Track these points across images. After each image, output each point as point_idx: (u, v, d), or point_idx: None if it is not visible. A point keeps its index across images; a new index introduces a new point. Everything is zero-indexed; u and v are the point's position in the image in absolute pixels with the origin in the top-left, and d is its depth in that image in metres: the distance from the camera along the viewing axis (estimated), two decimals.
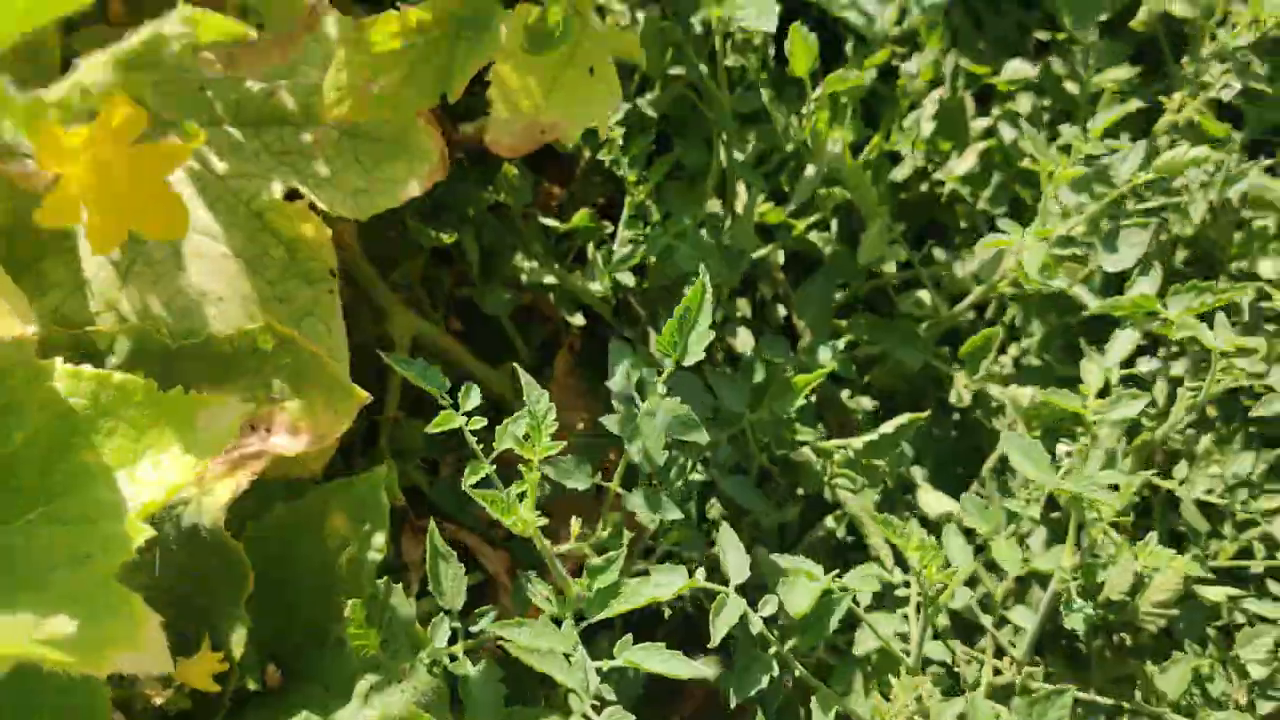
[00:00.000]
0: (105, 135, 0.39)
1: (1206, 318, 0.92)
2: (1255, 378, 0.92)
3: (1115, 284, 0.94)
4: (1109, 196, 0.90)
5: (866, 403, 1.18)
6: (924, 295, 1.14)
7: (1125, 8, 1.14)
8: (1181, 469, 0.99)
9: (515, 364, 1.10)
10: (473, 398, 0.68)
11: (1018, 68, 1.15)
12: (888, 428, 0.92)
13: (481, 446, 0.68)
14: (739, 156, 0.99)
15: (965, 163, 1.24)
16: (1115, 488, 0.82)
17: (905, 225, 1.34)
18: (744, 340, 1.16)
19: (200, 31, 0.37)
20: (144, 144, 0.40)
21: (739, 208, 1.01)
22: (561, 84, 0.71)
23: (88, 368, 0.50)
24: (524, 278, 1.02)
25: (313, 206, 0.72)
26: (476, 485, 0.68)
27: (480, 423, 0.68)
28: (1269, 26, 0.93)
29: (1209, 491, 1.09)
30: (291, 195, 0.72)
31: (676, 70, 1.02)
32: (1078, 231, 0.96)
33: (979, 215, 1.24)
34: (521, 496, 0.65)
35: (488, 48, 0.63)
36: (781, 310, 1.20)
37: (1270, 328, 1.01)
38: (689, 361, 0.72)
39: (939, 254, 1.23)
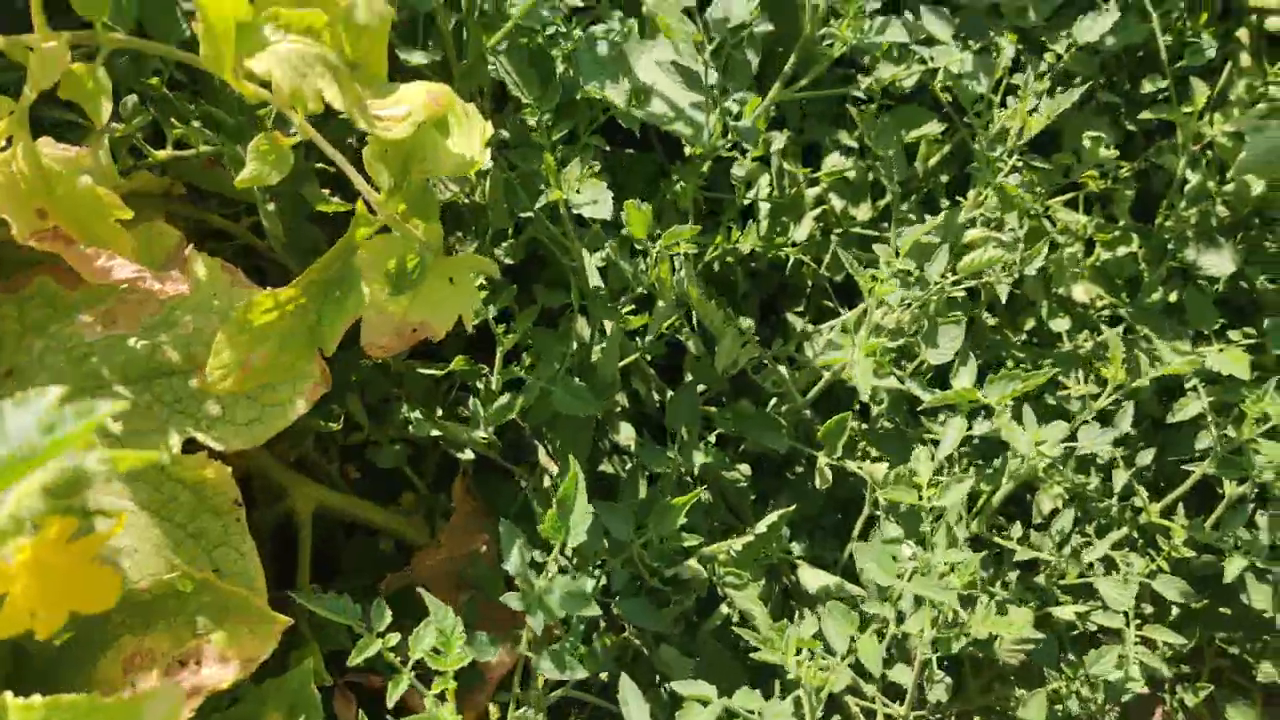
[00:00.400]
0: (44, 548, 0.45)
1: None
2: (1071, 439, 1.05)
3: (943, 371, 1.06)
4: (925, 295, 1.02)
5: (744, 469, 1.29)
6: (782, 370, 1.24)
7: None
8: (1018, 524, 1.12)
9: (410, 511, 1.18)
10: (384, 616, 0.75)
11: (836, 161, 1.26)
12: (762, 526, 1.02)
13: (396, 657, 0.75)
14: (597, 289, 1.07)
15: (803, 230, 1.35)
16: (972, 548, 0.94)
17: (757, 292, 1.45)
18: (626, 433, 1.25)
19: (119, 464, 0.44)
20: (76, 539, 0.47)
21: (606, 329, 1.09)
22: (423, 294, 0.78)
23: (37, 697, 0.56)
24: (411, 428, 1.09)
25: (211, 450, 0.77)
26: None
27: (394, 639, 0.75)
28: (1038, 128, 1.06)
29: (1044, 526, 1.23)
30: (189, 442, 0.77)
31: (527, 214, 1.09)
32: (905, 320, 1.07)
33: (823, 276, 1.35)
34: (442, 697, 0.73)
35: (354, 306, 0.70)
36: (656, 396, 1.29)
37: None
38: (573, 543, 0.80)
39: (793, 320, 1.34)
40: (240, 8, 0.63)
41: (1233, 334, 1.32)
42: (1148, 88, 1.38)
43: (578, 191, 0.92)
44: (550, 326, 1.15)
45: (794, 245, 1.32)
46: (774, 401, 1.25)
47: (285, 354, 0.69)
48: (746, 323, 1.41)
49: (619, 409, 1.30)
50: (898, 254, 0.99)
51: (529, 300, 1.13)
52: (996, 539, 1.04)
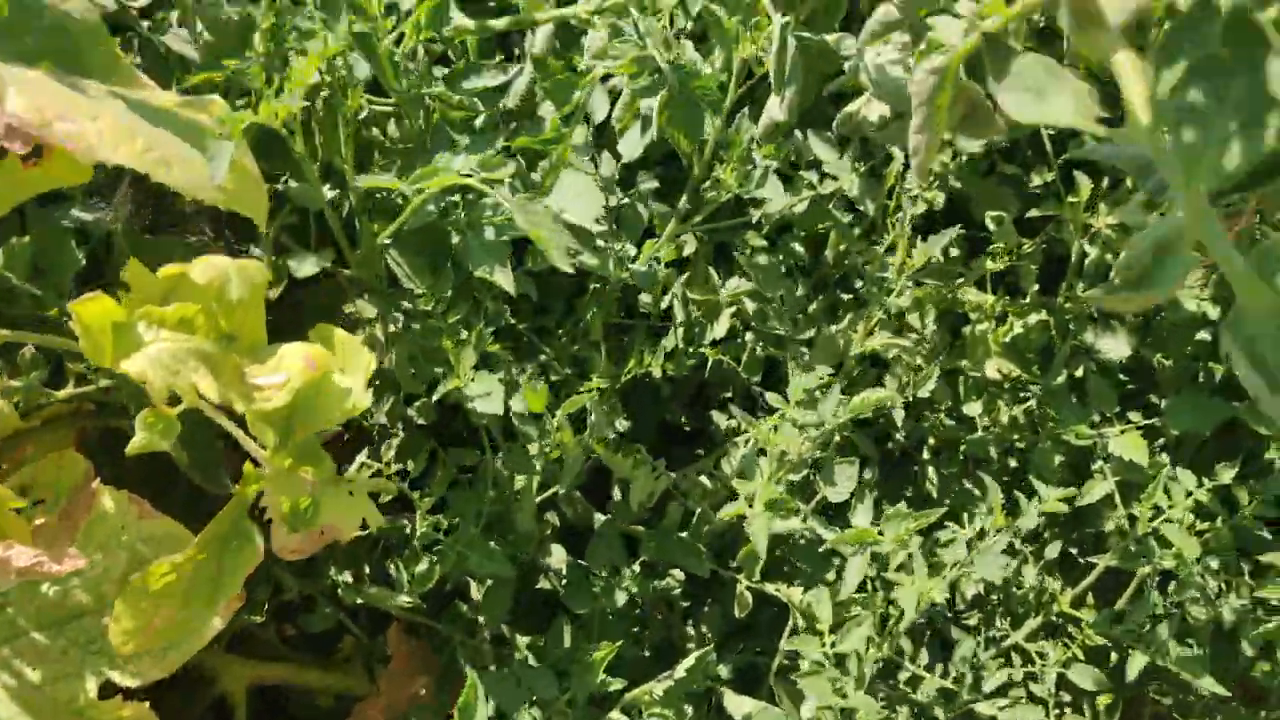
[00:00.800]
0: None
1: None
2: (962, 564, 1.10)
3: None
4: (823, 430, 1.06)
5: (676, 574, 1.33)
6: (705, 480, 1.28)
7: None
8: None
9: (349, 658, 1.22)
10: None
11: (736, 284, 1.30)
12: (681, 671, 1.07)
13: None
14: (509, 445, 1.11)
15: (721, 327, 1.38)
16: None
17: (680, 392, 1.49)
18: (557, 555, 1.29)
19: None
20: None
21: (518, 487, 1.13)
22: (325, 503, 0.82)
23: None
24: (340, 591, 1.12)
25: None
26: None
27: None
28: (920, 262, 1.11)
29: (971, 607, 1.28)
30: (106, 686, 0.80)
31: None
32: (805, 449, 1.12)
33: (742, 378, 1.39)
34: None
35: (251, 556, 0.74)
36: (585, 515, 1.33)
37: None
38: None
39: (718, 418, 1.37)
40: (113, 311, 0.66)
41: (1134, 414, 1.37)
42: (1036, 180, 1.44)
43: (472, 380, 0.96)
44: (470, 467, 1.18)
45: (713, 345, 1.36)
46: (699, 513, 1.29)
47: (187, 610, 0.72)
48: (676, 418, 1.45)
49: (549, 530, 1.33)
50: (788, 398, 1.03)
51: (448, 445, 1.16)
52: (908, 665, 1.09)
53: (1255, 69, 0.38)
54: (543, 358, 1.25)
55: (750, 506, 1.01)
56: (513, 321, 1.21)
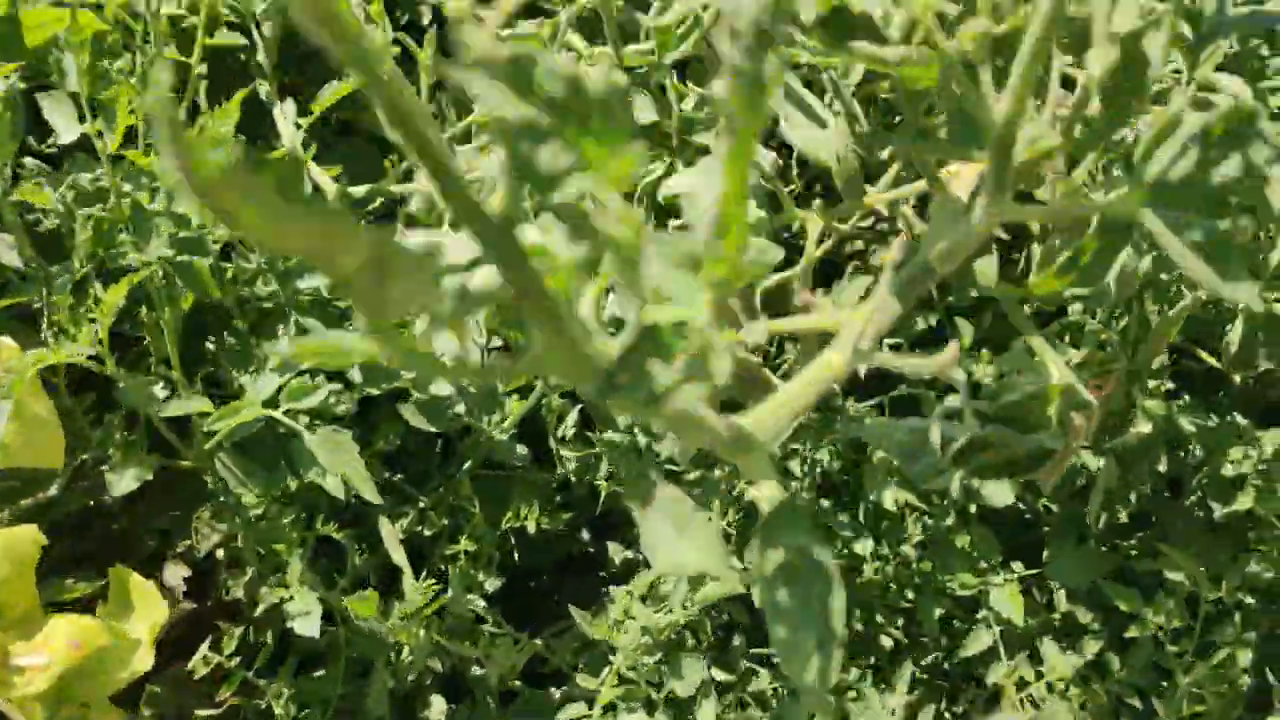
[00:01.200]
0: None
1: None
2: None
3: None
4: (671, 621, 1.06)
5: None
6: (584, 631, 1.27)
7: None
8: None
9: None
10: None
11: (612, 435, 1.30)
12: None
13: None
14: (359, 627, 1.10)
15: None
16: None
17: (579, 519, 1.47)
18: (437, 707, 1.27)
19: None
20: None
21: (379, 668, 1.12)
22: None
23: None
24: None
25: None
26: None
27: None
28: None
29: None
30: None
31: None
32: (659, 634, 1.11)
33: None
34: None
35: None
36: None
37: None
38: None
39: (613, 549, 1.35)
40: None
41: (1017, 564, 1.37)
42: (921, 324, 1.43)
43: (291, 599, 0.95)
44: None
45: (608, 479, 1.35)
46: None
47: None
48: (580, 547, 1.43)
49: (430, 679, 1.32)
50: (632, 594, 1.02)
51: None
52: None
53: (827, 591, 0.37)
54: (422, 505, 1.24)
55: (589, 708, 1.00)
56: (386, 474, 1.20)
